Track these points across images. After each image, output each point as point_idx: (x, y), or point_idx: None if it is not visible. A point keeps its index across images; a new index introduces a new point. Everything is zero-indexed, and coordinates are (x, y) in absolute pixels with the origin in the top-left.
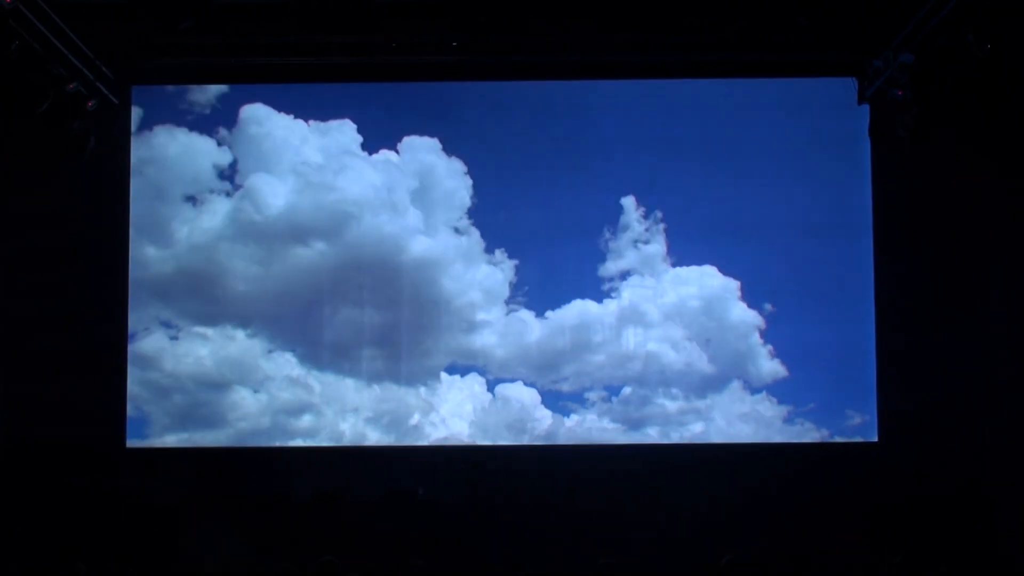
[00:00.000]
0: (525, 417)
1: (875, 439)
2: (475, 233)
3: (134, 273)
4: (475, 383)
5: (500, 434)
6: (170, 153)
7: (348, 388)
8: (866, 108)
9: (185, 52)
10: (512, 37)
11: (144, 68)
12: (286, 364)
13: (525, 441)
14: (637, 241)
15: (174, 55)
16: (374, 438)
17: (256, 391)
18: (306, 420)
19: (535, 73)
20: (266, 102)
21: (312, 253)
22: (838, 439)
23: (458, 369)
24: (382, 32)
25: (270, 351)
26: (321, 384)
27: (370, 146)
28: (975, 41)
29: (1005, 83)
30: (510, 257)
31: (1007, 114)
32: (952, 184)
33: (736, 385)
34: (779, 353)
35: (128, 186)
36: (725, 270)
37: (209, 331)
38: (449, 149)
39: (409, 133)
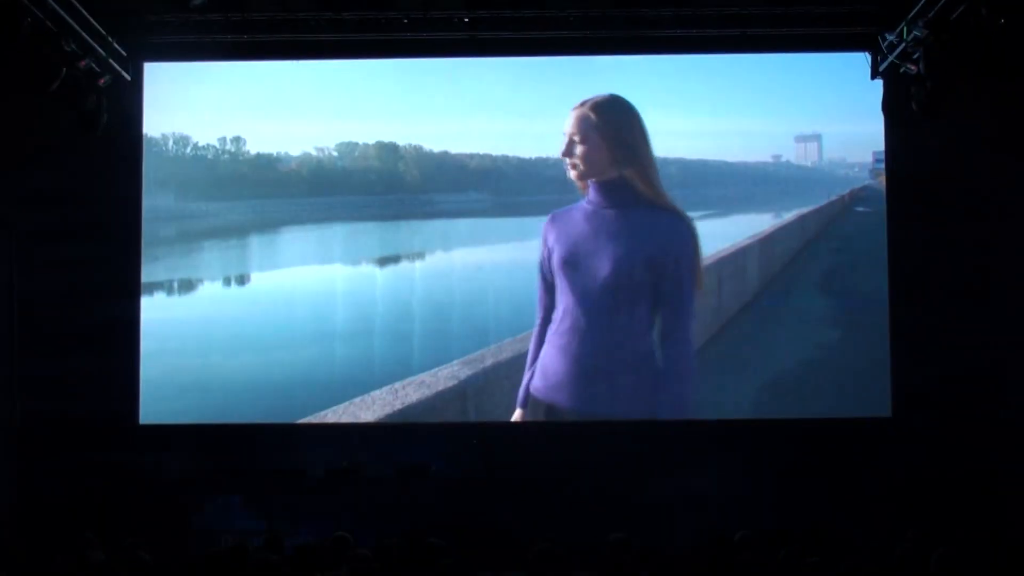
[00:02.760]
0: None
1: (888, 414)
2: None
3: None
4: None
5: None
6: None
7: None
8: (879, 83)
9: (197, 28)
10: (526, 12)
11: (156, 44)
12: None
13: None
14: None
15: (186, 31)
16: None
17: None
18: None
19: (549, 48)
20: (279, 78)
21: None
22: (851, 414)
23: None
24: (395, 7)
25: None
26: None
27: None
28: (989, 14)
29: (1019, 57)
30: None
31: (1021, 88)
32: (966, 159)
33: None
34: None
35: (141, 162)
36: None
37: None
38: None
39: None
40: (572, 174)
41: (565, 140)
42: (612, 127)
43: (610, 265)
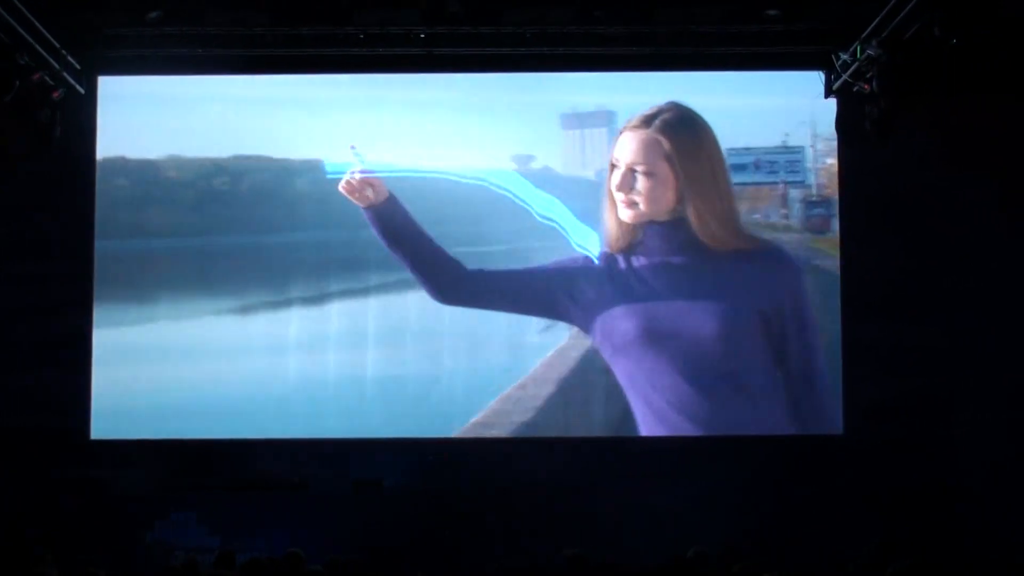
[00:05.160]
0: None
1: (840, 431)
2: None
3: (100, 262)
4: None
5: None
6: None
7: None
8: (833, 102)
9: (152, 42)
10: (483, 28)
11: (111, 58)
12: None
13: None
14: None
15: (141, 45)
16: None
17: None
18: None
19: (506, 65)
20: (235, 93)
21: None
22: (803, 432)
23: None
24: (354, 23)
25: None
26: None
27: None
28: (942, 34)
29: (972, 77)
30: None
31: (974, 107)
32: (919, 177)
33: None
34: None
35: (94, 176)
36: None
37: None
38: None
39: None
40: (627, 214)
41: (620, 171)
42: (688, 156)
43: (717, 326)
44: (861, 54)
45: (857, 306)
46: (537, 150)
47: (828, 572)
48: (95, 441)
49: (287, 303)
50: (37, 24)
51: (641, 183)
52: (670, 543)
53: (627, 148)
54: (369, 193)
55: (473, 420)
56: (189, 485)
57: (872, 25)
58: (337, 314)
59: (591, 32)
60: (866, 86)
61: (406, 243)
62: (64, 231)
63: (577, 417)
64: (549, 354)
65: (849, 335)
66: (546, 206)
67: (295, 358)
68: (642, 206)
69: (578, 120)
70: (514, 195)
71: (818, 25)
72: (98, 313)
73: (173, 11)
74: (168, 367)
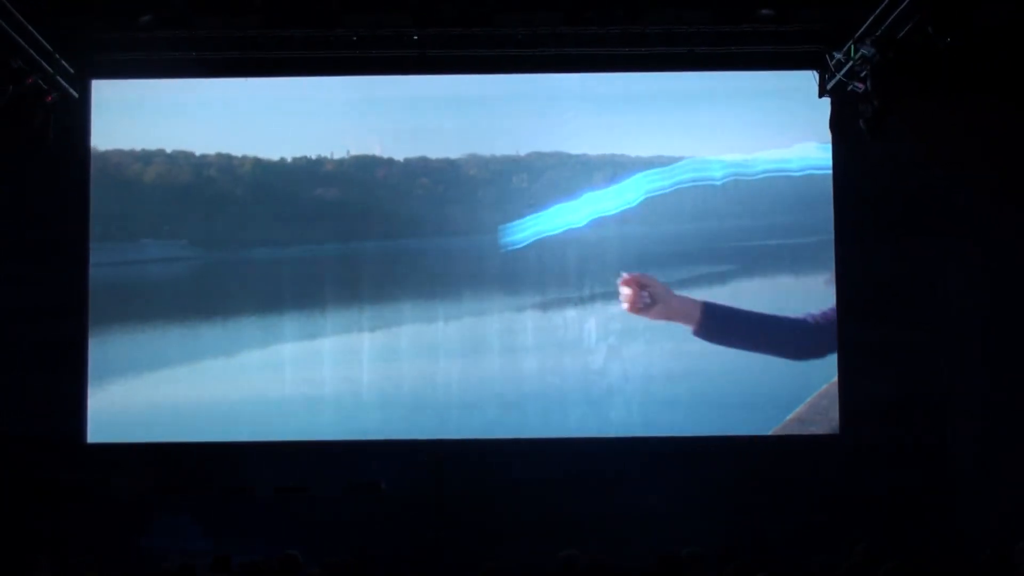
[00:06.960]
0: None
1: (837, 432)
2: None
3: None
4: None
5: None
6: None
7: None
8: (827, 101)
9: (145, 46)
10: (475, 29)
11: (104, 62)
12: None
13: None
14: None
15: (134, 49)
16: None
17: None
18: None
19: (498, 67)
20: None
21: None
22: (800, 431)
23: None
24: (344, 25)
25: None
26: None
27: None
28: (935, 34)
29: (965, 76)
30: None
31: (967, 107)
32: (913, 176)
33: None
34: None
35: (88, 179)
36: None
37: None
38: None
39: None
40: None
41: None
42: None
43: None
44: (855, 53)
45: (853, 307)
46: None
47: (822, 572)
48: (91, 445)
49: (280, 310)
50: (30, 28)
51: None
52: (665, 543)
53: None
54: (645, 295)
55: (790, 417)
56: (185, 488)
57: (866, 24)
58: (331, 322)
59: (582, 33)
60: (860, 85)
61: (742, 341)
62: (58, 235)
63: None
64: None
65: (845, 336)
66: None
67: (291, 365)
68: None
69: None
70: None
71: (811, 25)
72: (93, 317)
73: (165, 15)
74: (165, 372)
